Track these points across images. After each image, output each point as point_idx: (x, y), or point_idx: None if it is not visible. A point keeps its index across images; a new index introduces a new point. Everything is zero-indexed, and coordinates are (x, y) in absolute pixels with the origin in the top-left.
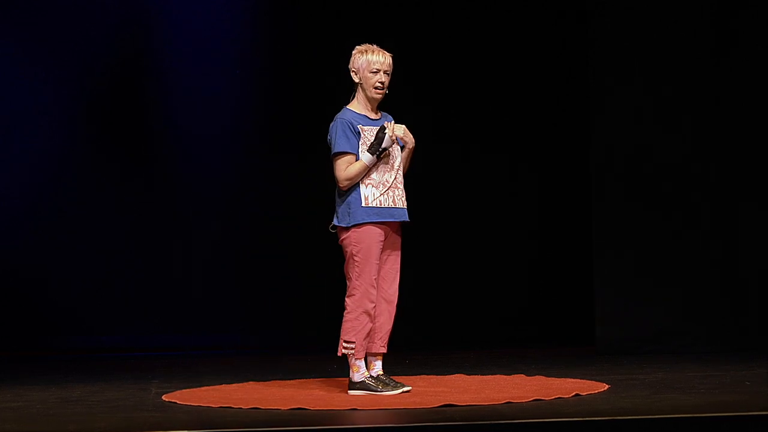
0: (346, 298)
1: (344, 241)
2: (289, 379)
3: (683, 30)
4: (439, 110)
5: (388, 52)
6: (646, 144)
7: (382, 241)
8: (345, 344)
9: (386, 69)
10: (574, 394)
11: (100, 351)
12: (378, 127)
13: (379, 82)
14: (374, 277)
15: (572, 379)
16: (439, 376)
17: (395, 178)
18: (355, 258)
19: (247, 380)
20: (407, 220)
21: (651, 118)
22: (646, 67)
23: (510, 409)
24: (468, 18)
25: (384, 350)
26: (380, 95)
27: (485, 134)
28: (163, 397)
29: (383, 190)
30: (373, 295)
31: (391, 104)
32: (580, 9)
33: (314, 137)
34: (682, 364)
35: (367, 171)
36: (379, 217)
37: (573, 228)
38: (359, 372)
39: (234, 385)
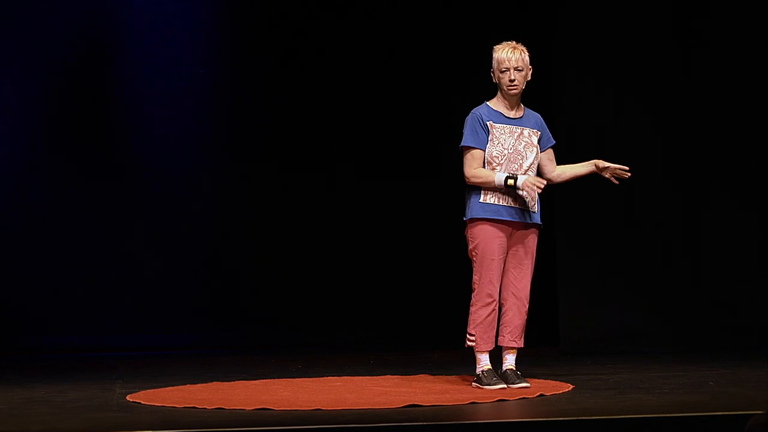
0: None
1: (466, 235)
2: (254, 380)
3: (647, 30)
4: (400, 109)
5: (520, 46)
6: (611, 142)
7: (500, 237)
8: (468, 336)
9: (516, 65)
10: (538, 394)
11: (65, 351)
12: (518, 130)
13: (510, 80)
14: (494, 273)
15: (537, 380)
16: (403, 377)
17: None
18: (473, 253)
19: (212, 380)
20: (527, 221)
21: (615, 118)
22: (610, 67)
23: (474, 409)
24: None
25: (515, 344)
26: (515, 92)
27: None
28: (128, 398)
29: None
30: (491, 289)
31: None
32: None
33: (281, 136)
34: (647, 364)
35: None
36: (495, 215)
37: None
38: (479, 365)
39: (198, 385)
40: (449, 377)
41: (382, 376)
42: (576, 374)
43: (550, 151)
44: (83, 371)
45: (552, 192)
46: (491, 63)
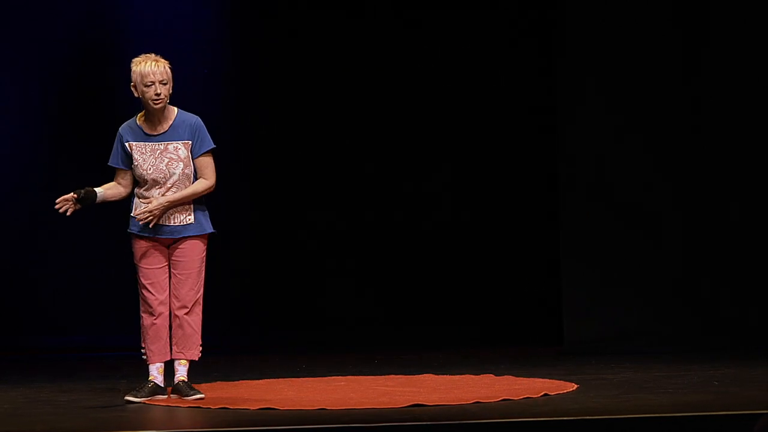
0: None
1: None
2: (258, 379)
3: (653, 40)
4: (405, 114)
5: (161, 59)
6: (612, 148)
7: (146, 248)
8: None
9: (160, 79)
10: (542, 393)
11: (65, 351)
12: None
13: (155, 94)
14: (147, 282)
15: (541, 379)
16: (408, 376)
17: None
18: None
19: (215, 380)
20: (168, 237)
21: (618, 125)
22: (614, 76)
23: (479, 408)
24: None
25: (182, 356)
26: (161, 105)
27: (454, 136)
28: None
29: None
30: (145, 299)
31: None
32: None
33: (281, 136)
34: (650, 364)
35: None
36: (137, 229)
37: (541, 228)
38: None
39: (202, 384)
40: (453, 377)
41: (387, 376)
42: (580, 374)
43: (200, 160)
44: (85, 371)
45: (554, 193)
46: (130, 78)
